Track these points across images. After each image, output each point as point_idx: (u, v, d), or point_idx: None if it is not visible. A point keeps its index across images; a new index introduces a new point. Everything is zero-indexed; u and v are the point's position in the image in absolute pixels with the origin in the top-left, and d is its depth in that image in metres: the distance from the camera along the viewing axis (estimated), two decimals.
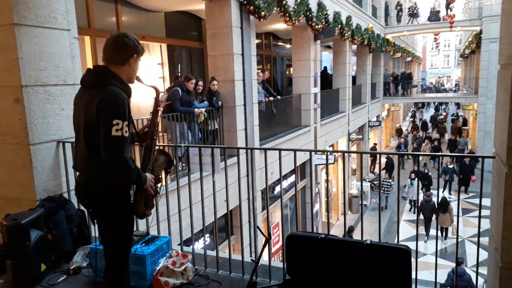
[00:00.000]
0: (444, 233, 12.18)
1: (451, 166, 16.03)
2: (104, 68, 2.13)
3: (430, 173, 15.67)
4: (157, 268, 2.86)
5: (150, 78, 8.40)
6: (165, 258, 2.96)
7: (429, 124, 29.46)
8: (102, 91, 2.02)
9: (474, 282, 2.74)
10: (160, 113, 2.40)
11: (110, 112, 1.98)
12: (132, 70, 2.20)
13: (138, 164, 2.34)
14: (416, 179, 13.85)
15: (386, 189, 15.24)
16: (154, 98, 2.41)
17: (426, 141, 21.27)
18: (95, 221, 2.25)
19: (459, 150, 20.15)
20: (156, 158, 2.40)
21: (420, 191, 13.85)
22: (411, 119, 34.60)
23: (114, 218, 2.17)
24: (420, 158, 18.82)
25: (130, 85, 2.25)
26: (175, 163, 5.64)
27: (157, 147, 2.45)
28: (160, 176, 2.42)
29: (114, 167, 2.03)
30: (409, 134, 24.29)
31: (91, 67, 2.20)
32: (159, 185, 2.39)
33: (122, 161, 2.01)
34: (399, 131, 26.61)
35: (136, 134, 2.39)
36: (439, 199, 11.98)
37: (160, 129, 6.26)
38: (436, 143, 20.59)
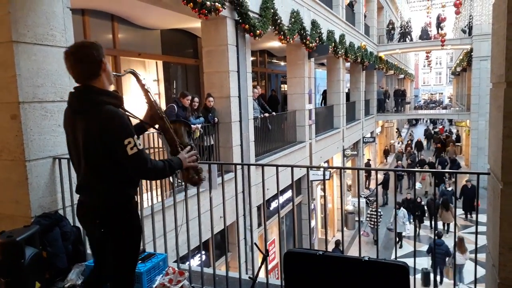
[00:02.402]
0: (446, 228, 14.00)
1: (450, 189, 15.03)
2: (87, 88, 2.05)
3: (423, 202, 14.67)
4: (154, 286, 2.83)
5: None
6: (161, 275, 2.93)
7: (423, 137, 29.72)
8: (100, 114, 1.97)
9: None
10: (150, 91, 2.35)
11: (118, 134, 1.97)
12: (109, 74, 2.13)
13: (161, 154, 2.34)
14: (402, 209, 13.23)
15: (375, 219, 13.50)
16: (137, 81, 2.35)
17: (426, 167, 19.37)
18: (100, 245, 2.21)
19: (442, 158, 21.38)
20: (174, 129, 2.41)
21: (407, 223, 13.51)
22: (399, 138, 34.33)
23: (126, 235, 2.15)
24: (418, 186, 18.05)
25: None
26: (170, 179, 5.64)
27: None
28: (188, 143, 2.44)
29: (148, 178, 2.39)
30: (403, 154, 24.17)
31: (74, 90, 2.10)
32: (194, 152, 2.40)
33: (151, 172, 2.08)
34: (386, 153, 26.15)
35: (143, 123, 2.41)
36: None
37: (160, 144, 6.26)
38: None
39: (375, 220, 13.19)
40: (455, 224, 2.99)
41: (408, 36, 22.80)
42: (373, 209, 13.60)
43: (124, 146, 1.96)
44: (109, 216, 2.10)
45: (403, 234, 13.50)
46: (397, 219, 12.80)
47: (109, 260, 2.21)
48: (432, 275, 9.74)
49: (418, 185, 17.98)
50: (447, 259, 10.18)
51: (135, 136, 2.01)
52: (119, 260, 2.19)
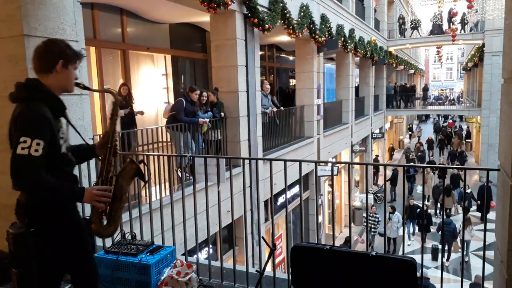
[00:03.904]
0: (448, 212, 14.69)
1: (469, 191, 14.20)
2: (31, 81, 1.97)
3: (429, 210, 14.29)
4: (162, 278, 2.86)
5: (154, 88, 8.47)
6: (169, 268, 2.96)
7: (432, 133, 29.54)
8: (21, 107, 1.89)
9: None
10: (118, 120, 2.20)
11: (20, 128, 1.82)
12: (63, 78, 2.00)
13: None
14: (397, 213, 12.25)
15: (373, 225, 12.34)
16: (113, 102, 2.21)
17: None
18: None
19: (452, 150, 21.60)
20: (124, 166, 2.24)
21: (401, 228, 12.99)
22: (413, 135, 33.99)
23: (57, 234, 2.00)
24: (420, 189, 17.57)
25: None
26: (178, 173, 5.68)
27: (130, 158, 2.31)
28: (124, 187, 2.21)
29: (21, 188, 1.87)
30: (412, 153, 23.96)
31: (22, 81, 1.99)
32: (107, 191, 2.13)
33: (35, 185, 1.82)
34: (391, 150, 25.57)
35: (92, 149, 2.26)
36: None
37: (165, 138, 6.30)
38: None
39: (372, 226, 12.49)
40: (464, 206, 3.00)
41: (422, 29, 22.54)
42: (371, 214, 12.47)
43: (17, 142, 1.78)
44: (35, 214, 1.95)
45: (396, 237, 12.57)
46: (391, 224, 12.07)
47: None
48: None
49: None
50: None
51: (38, 141, 1.80)
52: (66, 259, 2.07)
